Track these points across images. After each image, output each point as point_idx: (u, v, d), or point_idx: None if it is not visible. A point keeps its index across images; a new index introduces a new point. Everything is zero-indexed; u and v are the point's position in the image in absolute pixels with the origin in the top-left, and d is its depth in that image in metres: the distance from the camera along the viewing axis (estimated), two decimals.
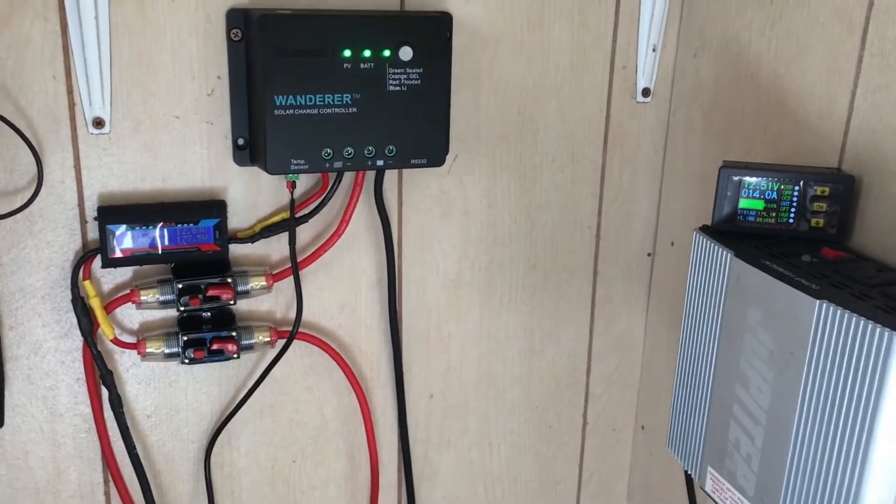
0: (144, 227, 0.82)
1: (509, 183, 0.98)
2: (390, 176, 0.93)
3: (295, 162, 0.80)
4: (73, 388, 0.87)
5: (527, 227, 1.00)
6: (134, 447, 0.88)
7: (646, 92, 0.99)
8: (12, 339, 0.84)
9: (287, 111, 0.78)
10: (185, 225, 0.83)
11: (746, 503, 0.72)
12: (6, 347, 0.84)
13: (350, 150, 0.81)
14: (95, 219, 0.82)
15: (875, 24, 0.72)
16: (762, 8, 0.85)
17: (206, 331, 0.87)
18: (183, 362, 0.86)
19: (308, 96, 0.79)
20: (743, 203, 0.76)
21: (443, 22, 0.83)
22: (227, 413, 0.92)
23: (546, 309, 1.04)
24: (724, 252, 0.74)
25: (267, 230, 0.88)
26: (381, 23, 0.80)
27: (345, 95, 0.80)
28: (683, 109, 0.99)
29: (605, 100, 0.99)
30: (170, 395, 0.91)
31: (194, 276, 0.85)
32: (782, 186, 0.74)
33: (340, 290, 0.95)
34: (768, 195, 0.75)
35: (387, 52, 0.80)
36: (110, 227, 0.81)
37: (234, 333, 0.87)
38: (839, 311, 0.61)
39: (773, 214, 0.75)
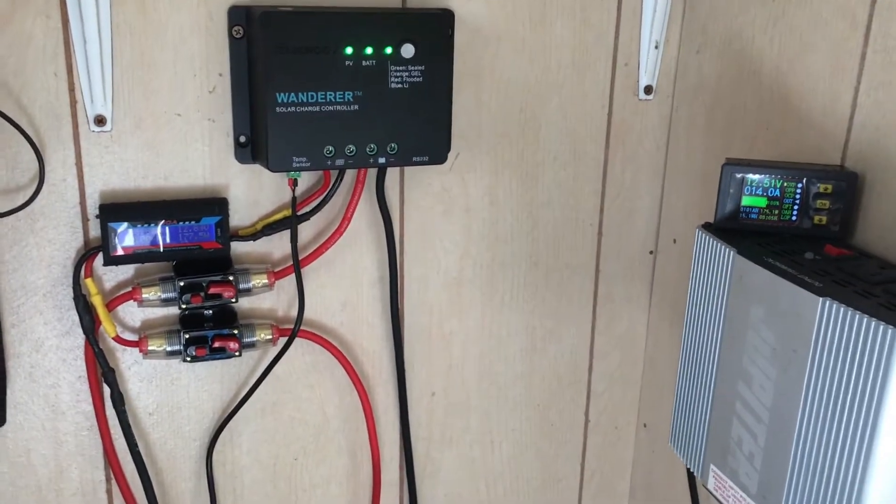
0: (146, 225, 0.82)
1: (511, 180, 0.98)
2: (392, 174, 0.93)
3: (297, 159, 0.80)
4: (74, 386, 0.87)
5: (528, 224, 1.00)
6: (136, 445, 0.88)
7: (648, 89, 0.99)
8: (14, 336, 0.84)
9: (289, 108, 0.78)
10: (187, 223, 0.83)
11: (749, 501, 0.72)
12: (8, 345, 0.84)
13: (352, 147, 0.81)
14: (97, 216, 0.82)
15: (878, 20, 0.72)
16: (765, 5, 0.84)
17: (207, 328, 0.86)
18: (185, 360, 0.86)
19: (310, 94, 0.79)
20: (746, 200, 0.76)
21: (445, 19, 0.83)
22: (229, 411, 0.92)
23: (548, 307, 1.04)
24: (727, 250, 0.74)
25: (269, 228, 0.88)
26: (382, 20, 0.80)
27: (346, 93, 0.80)
28: (686, 106, 0.98)
29: (607, 97, 0.99)
30: (171, 393, 0.91)
31: (196, 273, 0.85)
32: (785, 184, 0.74)
33: (342, 288, 0.95)
34: (771, 192, 0.75)
35: (389, 50, 0.80)
36: (112, 224, 0.81)
37: (235, 331, 0.87)
38: (842, 309, 0.60)
39: (776, 212, 0.75)
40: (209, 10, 0.81)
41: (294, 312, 0.91)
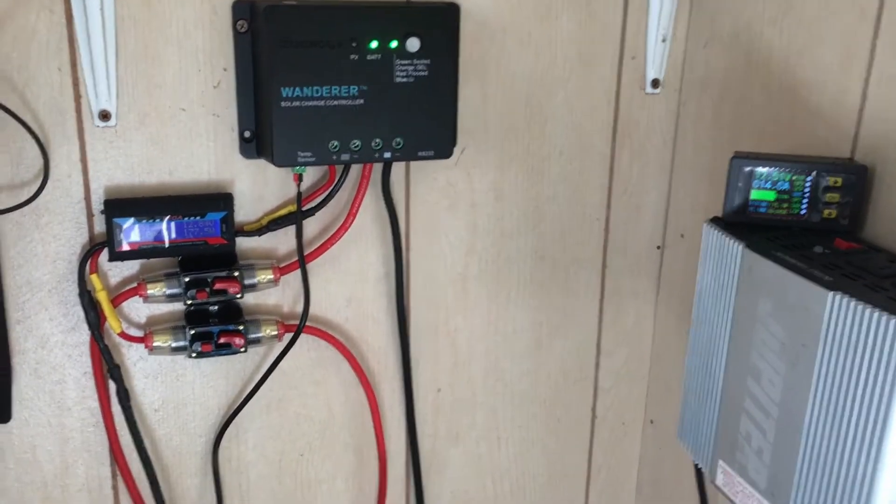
0: (151, 221, 0.82)
1: (517, 175, 0.97)
2: (397, 168, 0.92)
3: (302, 154, 0.80)
4: (80, 382, 0.87)
5: (535, 219, 0.99)
6: (142, 441, 0.88)
7: (655, 83, 0.99)
8: (19, 332, 0.84)
9: (294, 103, 0.78)
10: (192, 218, 0.83)
11: (758, 496, 0.72)
12: (13, 341, 0.84)
13: (357, 142, 0.81)
14: (102, 212, 0.82)
15: (888, 11, 0.71)
16: None
17: (213, 324, 0.86)
18: (190, 356, 0.86)
19: (315, 88, 0.78)
20: (754, 194, 0.75)
21: (450, 13, 0.82)
22: (235, 407, 0.92)
23: (554, 302, 1.04)
24: (736, 244, 0.73)
25: (274, 223, 0.87)
26: (388, 14, 0.79)
27: (352, 87, 0.80)
28: (693, 100, 0.98)
29: (613, 91, 0.98)
30: (177, 389, 0.91)
31: (201, 269, 0.85)
32: (794, 177, 0.74)
33: (347, 284, 0.94)
34: (780, 186, 0.74)
35: (394, 44, 0.80)
36: (117, 220, 0.81)
37: (241, 327, 0.87)
38: (852, 303, 0.60)
39: (785, 205, 0.74)
40: (213, 4, 0.81)
41: (299, 308, 0.91)
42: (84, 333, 0.85)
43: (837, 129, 0.77)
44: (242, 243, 0.88)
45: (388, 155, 0.82)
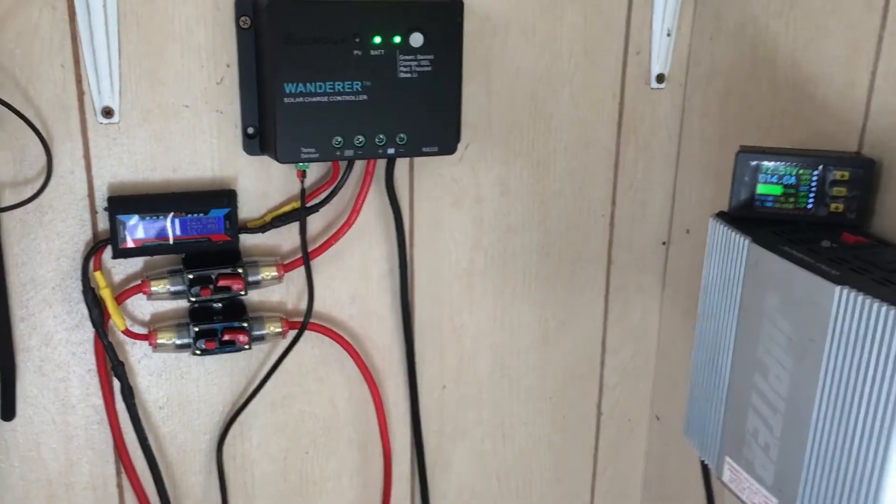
0: (155, 218, 0.81)
1: (522, 170, 0.97)
2: (401, 164, 0.92)
3: (305, 150, 0.79)
4: (84, 380, 0.87)
5: (540, 215, 0.99)
6: (146, 439, 0.88)
7: (660, 77, 0.98)
8: (23, 330, 0.84)
9: (297, 99, 0.78)
10: (196, 215, 0.83)
11: (765, 493, 0.71)
12: (17, 339, 0.84)
13: (361, 138, 0.81)
14: (105, 209, 0.82)
15: (895, 2, 0.71)
16: None
17: (217, 321, 0.86)
18: (194, 353, 0.86)
19: (318, 84, 0.78)
20: (761, 188, 0.74)
21: (454, 7, 0.82)
22: (239, 404, 0.92)
23: (560, 298, 1.03)
24: (742, 238, 0.72)
25: (277, 220, 0.87)
26: (391, 9, 0.79)
27: (355, 83, 0.79)
28: (699, 95, 0.97)
29: (618, 86, 0.97)
30: (181, 387, 0.91)
31: (205, 266, 0.85)
32: (801, 171, 0.73)
33: (352, 280, 0.94)
34: (787, 180, 0.74)
35: (397, 39, 0.79)
36: (121, 217, 0.81)
37: (245, 324, 0.87)
38: (859, 297, 0.59)
39: (792, 200, 0.74)
40: (216, 0, 0.81)
41: (303, 305, 0.91)
42: (88, 331, 0.85)
43: (844, 122, 0.76)
44: (246, 240, 0.88)
45: (391, 151, 0.82)
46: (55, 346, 0.85)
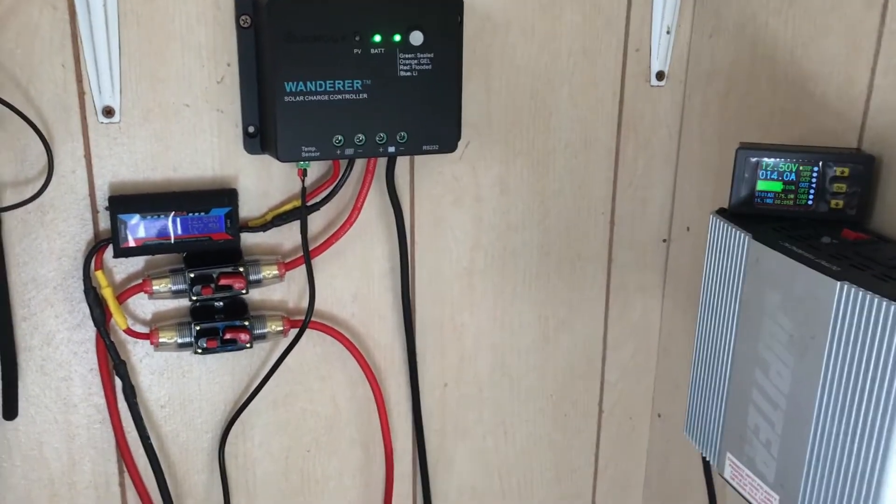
0: (156, 217, 0.82)
1: (522, 169, 0.97)
2: (402, 163, 0.92)
3: (306, 149, 0.79)
4: (86, 379, 0.87)
5: (540, 213, 0.99)
6: (148, 437, 0.88)
7: (660, 75, 0.98)
8: (25, 329, 0.84)
9: (297, 98, 0.78)
10: (197, 214, 0.83)
11: (766, 489, 0.71)
12: (19, 338, 0.84)
13: (361, 136, 0.81)
14: (107, 208, 0.82)
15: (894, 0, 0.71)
16: None
17: (218, 320, 0.86)
18: (196, 352, 0.86)
19: (318, 82, 0.78)
20: (761, 185, 0.75)
21: (453, 6, 0.82)
22: (241, 403, 0.92)
23: (560, 297, 1.03)
24: (742, 235, 0.73)
25: (278, 219, 0.87)
26: (391, 7, 0.79)
27: (355, 81, 0.79)
28: (699, 92, 0.97)
29: (618, 84, 0.98)
30: (183, 386, 0.91)
31: (206, 265, 0.85)
32: (801, 167, 0.73)
33: (353, 279, 0.94)
34: (787, 177, 0.74)
35: (397, 37, 0.79)
36: (122, 216, 0.81)
37: (246, 323, 0.87)
38: (860, 293, 0.59)
39: (792, 196, 0.74)
40: None
41: (305, 304, 0.91)
42: (90, 330, 0.85)
43: (844, 119, 0.76)
44: (247, 239, 0.88)
45: (392, 149, 0.82)
46: (57, 346, 0.85)
